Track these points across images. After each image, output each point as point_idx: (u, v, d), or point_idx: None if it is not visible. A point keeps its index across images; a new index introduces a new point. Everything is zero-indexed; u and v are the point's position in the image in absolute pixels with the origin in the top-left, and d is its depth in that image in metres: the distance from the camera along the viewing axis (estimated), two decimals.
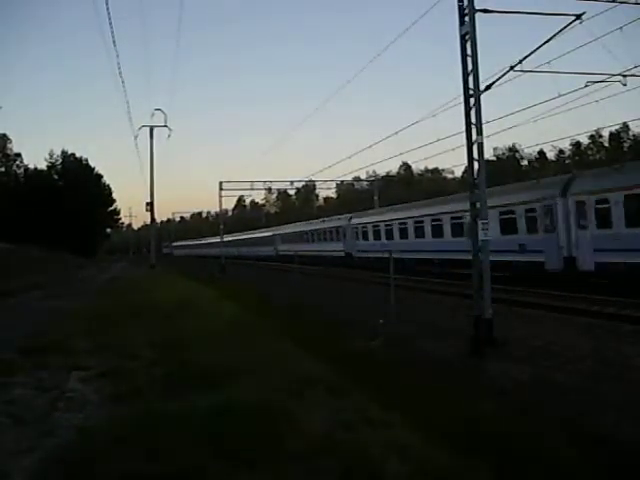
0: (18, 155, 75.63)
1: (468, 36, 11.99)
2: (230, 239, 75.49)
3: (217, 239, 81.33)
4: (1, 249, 47.20)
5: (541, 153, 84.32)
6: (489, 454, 5.55)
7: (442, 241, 32.47)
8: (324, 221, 57.82)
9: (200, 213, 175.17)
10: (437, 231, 33.40)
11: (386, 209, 46.24)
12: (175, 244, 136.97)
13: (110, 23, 39.61)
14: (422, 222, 35.19)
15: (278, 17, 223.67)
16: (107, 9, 41.89)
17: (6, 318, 17.85)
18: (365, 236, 43.81)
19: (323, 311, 17.63)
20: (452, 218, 31.57)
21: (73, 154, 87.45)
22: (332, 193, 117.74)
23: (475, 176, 12.06)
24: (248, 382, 8.30)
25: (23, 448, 6.17)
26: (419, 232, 35.46)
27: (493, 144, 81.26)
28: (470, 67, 12.04)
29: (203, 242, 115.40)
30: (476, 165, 12.06)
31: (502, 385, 8.88)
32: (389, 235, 39.47)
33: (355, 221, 46.94)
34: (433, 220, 33.94)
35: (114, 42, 44.09)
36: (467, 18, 11.97)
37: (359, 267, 39.82)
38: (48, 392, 8.65)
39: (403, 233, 37.47)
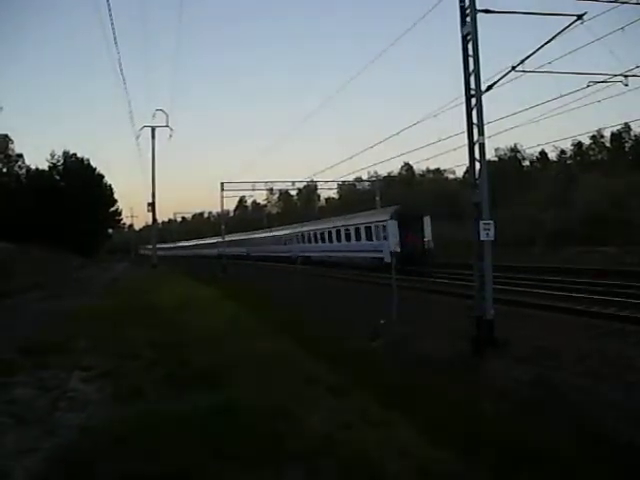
0: (20, 156, 75.67)
1: (470, 36, 11.96)
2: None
3: (199, 241, 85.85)
4: (2, 249, 47.25)
5: (542, 153, 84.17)
6: (489, 454, 5.55)
7: (332, 245, 49.75)
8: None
9: (202, 213, 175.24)
10: (328, 239, 50.90)
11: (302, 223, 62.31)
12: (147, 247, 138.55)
13: (111, 23, 39.72)
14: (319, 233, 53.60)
15: (279, 16, 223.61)
16: (109, 9, 41.88)
17: (6, 318, 17.87)
18: (301, 241, 58.30)
19: (324, 311, 17.63)
20: (339, 230, 48.31)
21: (75, 154, 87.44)
22: (334, 194, 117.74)
23: (477, 176, 12.03)
24: (248, 382, 8.34)
25: (25, 448, 6.19)
26: (318, 239, 53.39)
27: (495, 144, 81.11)
28: (472, 67, 12.01)
29: (183, 244, 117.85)
30: (478, 165, 12.03)
31: (503, 385, 8.90)
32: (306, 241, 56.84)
33: (297, 230, 61.00)
34: (326, 231, 51.76)
35: (115, 42, 44.55)
36: (469, 18, 11.96)
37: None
38: (49, 392, 8.67)
39: (312, 240, 55.07)
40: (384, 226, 39.57)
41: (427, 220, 39.63)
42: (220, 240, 69.52)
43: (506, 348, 11.17)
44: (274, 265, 53.71)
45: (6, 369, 9.94)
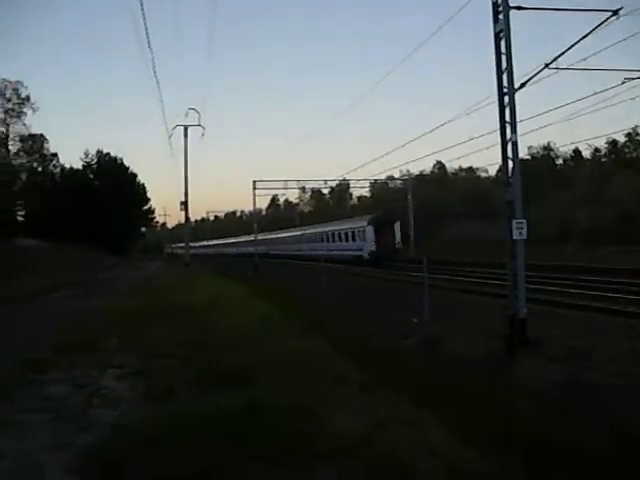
0: (54, 155, 76.39)
1: (502, 34, 11.86)
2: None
3: (229, 240, 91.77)
4: (36, 247, 47.88)
5: (576, 152, 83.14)
6: (521, 454, 5.51)
7: (327, 245, 59.10)
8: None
9: (234, 212, 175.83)
10: (325, 239, 61.81)
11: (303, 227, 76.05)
12: (175, 245, 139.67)
13: (144, 23, 39.97)
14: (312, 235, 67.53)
15: (312, 13, 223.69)
16: (142, 10, 42.19)
17: (40, 316, 18.16)
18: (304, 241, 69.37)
19: (353, 309, 17.66)
20: (333, 233, 60.41)
21: (108, 153, 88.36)
22: (366, 192, 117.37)
23: (509, 175, 11.92)
24: (277, 381, 8.37)
25: (59, 443, 6.28)
26: (317, 240, 64.56)
27: (527, 143, 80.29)
28: (504, 65, 11.90)
29: (214, 243, 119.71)
30: (510, 164, 11.92)
31: (535, 385, 8.80)
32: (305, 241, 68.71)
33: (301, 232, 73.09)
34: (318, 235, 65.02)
35: (149, 42, 44.79)
36: (501, 15, 11.85)
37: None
38: (83, 389, 8.79)
39: (312, 241, 66.34)
40: (364, 231, 51.68)
41: (397, 226, 51.74)
42: (246, 239, 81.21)
43: (539, 348, 11.05)
44: (303, 264, 53.81)
45: (41, 367, 10.09)
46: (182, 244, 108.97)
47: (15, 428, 6.86)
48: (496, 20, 11.98)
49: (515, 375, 9.51)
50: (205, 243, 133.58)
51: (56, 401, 8.08)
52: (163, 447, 5.85)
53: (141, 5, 27.25)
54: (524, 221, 11.55)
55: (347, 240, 55.86)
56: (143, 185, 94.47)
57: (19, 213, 69.11)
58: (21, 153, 68.76)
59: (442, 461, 5.46)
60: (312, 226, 72.99)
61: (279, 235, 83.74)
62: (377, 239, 49.97)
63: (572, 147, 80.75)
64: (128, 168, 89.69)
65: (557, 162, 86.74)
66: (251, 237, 74.63)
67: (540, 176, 67.78)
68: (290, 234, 78.45)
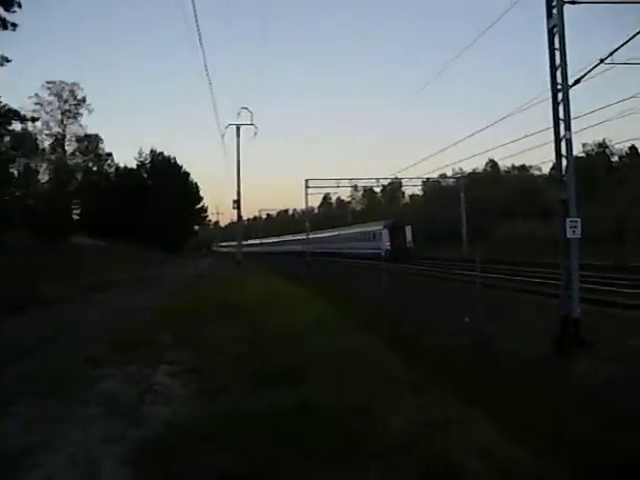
0: (109, 155, 77.71)
1: (556, 29, 11.65)
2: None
3: (272, 239, 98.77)
4: (91, 246, 48.79)
5: (632, 149, 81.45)
6: (573, 455, 5.41)
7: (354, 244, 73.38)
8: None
9: (286, 210, 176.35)
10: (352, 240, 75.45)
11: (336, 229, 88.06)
12: (223, 244, 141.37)
13: (196, 23, 40.38)
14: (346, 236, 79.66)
15: (365, 12, 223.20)
16: (194, 10, 42.65)
17: (94, 313, 18.51)
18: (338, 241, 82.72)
19: (406, 308, 17.46)
20: (358, 234, 74.66)
21: (161, 153, 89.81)
22: (418, 190, 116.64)
23: (563, 173, 11.74)
24: (330, 380, 8.35)
25: (113, 437, 6.38)
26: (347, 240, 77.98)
27: (582, 140, 78.81)
28: (558, 61, 11.70)
29: (258, 242, 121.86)
30: (564, 162, 11.73)
31: (589, 386, 8.63)
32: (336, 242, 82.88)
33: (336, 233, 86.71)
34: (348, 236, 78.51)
35: (201, 44, 45.24)
36: (555, 10, 11.66)
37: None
38: (136, 385, 8.91)
39: (344, 241, 79.44)
40: (380, 233, 65.25)
41: (408, 229, 64.38)
42: (294, 238, 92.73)
43: (594, 348, 10.86)
44: (355, 262, 53.96)
45: (95, 363, 10.27)
46: (231, 242, 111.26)
47: (70, 422, 6.97)
48: (549, 15, 11.78)
49: (568, 375, 9.36)
50: (256, 241, 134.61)
51: (109, 397, 8.19)
52: (216, 445, 5.88)
53: (193, 5, 27.58)
54: (578, 220, 11.37)
55: (368, 240, 68.68)
56: (196, 184, 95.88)
57: (75, 212, 70.38)
58: (77, 153, 70.09)
59: (492, 461, 5.41)
60: (343, 228, 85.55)
61: (321, 235, 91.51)
62: (391, 240, 62.54)
63: (628, 144, 79.27)
64: (181, 167, 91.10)
65: (612, 159, 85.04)
66: (297, 236, 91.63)
67: (595, 174, 66.69)
68: (328, 234, 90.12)
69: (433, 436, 6.05)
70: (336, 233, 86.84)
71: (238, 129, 56.62)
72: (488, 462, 5.40)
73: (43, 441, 6.29)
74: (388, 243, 62.20)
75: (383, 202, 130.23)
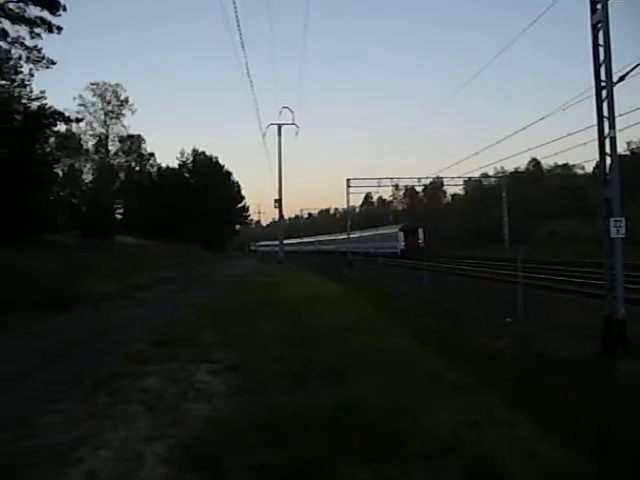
0: (151, 155, 78.63)
1: (600, 25, 11.48)
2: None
3: (319, 237, 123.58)
4: (134, 245, 49.37)
5: None
6: (620, 458, 5.33)
7: (374, 244, 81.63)
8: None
9: (328, 209, 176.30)
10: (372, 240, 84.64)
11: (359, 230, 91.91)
12: (260, 243, 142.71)
13: (237, 22, 40.63)
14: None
15: (404, 10, 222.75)
16: (235, 9, 42.98)
17: (138, 311, 18.89)
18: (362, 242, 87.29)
19: (447, 308, 17.45)
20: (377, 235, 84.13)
21: (203, 152, 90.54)
22: (460, 190, 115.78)
23: (607, 171, 11.56)
24: (372, 379, 8.32)
25: (155, 434, 6.45)
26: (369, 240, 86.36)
27: (626, 138, 77.42)
28: (602, 57, 11.53)
29: (299, 241, 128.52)
30: (608, 160, 11.54)
31: (634, 386, 8.56)
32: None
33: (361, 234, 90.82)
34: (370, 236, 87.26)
35: (242, 42, 45.42)
36: (599, 6, 11.49)
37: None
38: (178, 382, 8.99)
39: (366, 241, 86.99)
40: (396, 234, 73.83)
41: (420, 230, 72.15)
42: (332, 238, 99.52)
43: (639, 349, 10.59)
44: (396, 262, 53.99)
45: (140, 359, 10.41)
46: (269, 242, 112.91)
47: (114, 418, 7.08)
48: (594, 11, 11.61)
49: (612, 377, 9.25)
50: (296, 241, 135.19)
51: (152, 393, 8.28)
52: (257, 442, 5.89)
53: (234, 4, 27.72)
54: (622, 219, 11.18)
55: (386, 241, 77.50)
56: (238, 183, 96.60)
57: (118, 211, 71.23)
58: (120, 153, 70.98)
59: (537, 463, 5.35)
60: (367, 230, 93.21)
61: (353, 235, 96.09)
62: (405, 240, 71.40)
63: None
64: (223, 167, 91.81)
65: None
66: (333, 236, 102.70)
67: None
68: (358, 235, 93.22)
69: (477, 437, 5.99)
70: (363, 234, 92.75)
71: (279, 128, 57.04)
72: (532, 464, 5.34)
73: (88, 436, 6.38)
74: (403, 243, 71.48)
75: (425, 201, 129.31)
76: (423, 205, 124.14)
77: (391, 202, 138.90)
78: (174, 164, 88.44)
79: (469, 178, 77.82)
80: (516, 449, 5.65)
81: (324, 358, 9.72)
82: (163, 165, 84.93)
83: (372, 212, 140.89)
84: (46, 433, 6.56)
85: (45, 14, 34.92)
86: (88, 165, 65.20)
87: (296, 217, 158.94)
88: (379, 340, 11.52)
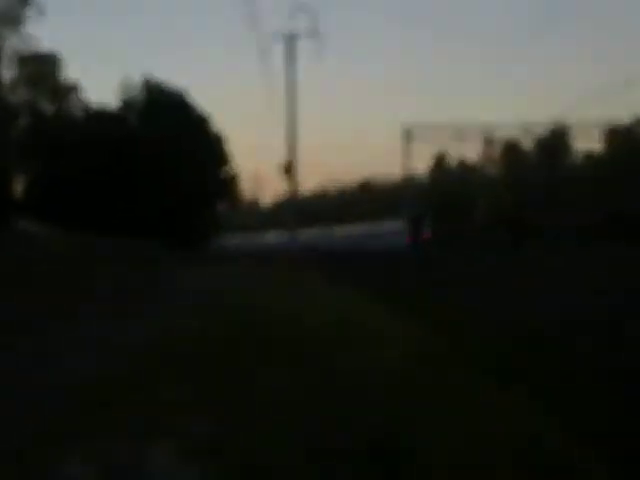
0: (74, 87, 78.41)
1: None
2: None
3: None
4: (42, 238, 49.06)
5: None
6: None
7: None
8: None
9: (367, 182, 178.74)
10: None
11: None
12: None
13: None
14: None
15: None
16: None
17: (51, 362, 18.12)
18: None
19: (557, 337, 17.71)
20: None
21: (161, 84, 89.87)
22: (597, 143, 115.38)
23: None
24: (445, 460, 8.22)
25: None
26: None
27: None
28: None
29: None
30: None
31: None
32: None
33: None
34: None
35: None
36: None
37: None
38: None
39: None
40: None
41: (426, 219, 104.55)
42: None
43: None
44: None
45: (54, 440, 9.73)
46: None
47: None
48: None
49: None
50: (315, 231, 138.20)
51: None
52: None
53: None
54: None
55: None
56: (219, 135, 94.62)
57: (17, 182, 70.85)
58: (20, 83, 70.40)
59: None
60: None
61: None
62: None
63: None
64: (195, 108, 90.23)
65: None
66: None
67: None
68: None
69: None
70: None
71: (291, 43, 55.47)
72: None
73: None
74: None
75: (537, 162, 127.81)
76: (535, 168, 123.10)
77: (481, 167, 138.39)
78: (113, 103, 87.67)
79: (614, 125, 77.37)
80: None
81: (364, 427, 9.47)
82: (94, 105, 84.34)
83: (450, 180, 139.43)
84: None
85: None
86: None
87: (323, 194, 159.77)
88: (459, 401, 11.18)
